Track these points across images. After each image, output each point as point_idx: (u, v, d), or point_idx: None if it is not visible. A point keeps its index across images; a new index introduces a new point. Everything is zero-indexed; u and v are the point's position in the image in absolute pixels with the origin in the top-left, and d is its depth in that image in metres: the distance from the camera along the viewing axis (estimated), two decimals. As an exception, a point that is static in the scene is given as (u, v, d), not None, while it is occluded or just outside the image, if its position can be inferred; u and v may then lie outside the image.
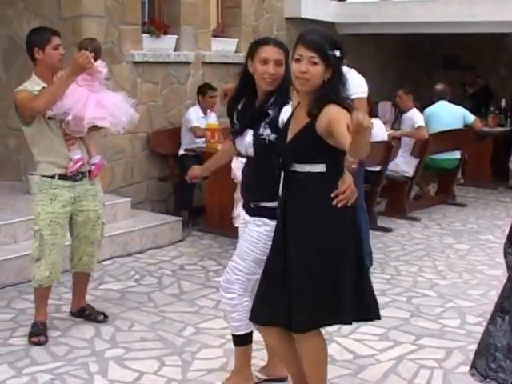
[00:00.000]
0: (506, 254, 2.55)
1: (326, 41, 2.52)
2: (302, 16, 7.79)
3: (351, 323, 2.71)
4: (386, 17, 8.41)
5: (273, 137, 2.76)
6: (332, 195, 2.53)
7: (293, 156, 2.61)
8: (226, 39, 7.13)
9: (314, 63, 2.50)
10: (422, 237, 5.89)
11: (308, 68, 2.50)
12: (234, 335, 3.02)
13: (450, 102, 7.14)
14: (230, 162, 5.19)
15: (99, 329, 3.76)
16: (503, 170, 7.91)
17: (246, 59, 2.85)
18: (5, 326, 3.77)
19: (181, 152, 6.19)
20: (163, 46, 6.32)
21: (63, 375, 3.22)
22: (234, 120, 2.93)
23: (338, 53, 2.53)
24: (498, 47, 9.63)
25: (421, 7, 8.21)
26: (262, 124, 2.79)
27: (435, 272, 4.92)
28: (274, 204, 2.74)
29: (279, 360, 3.04)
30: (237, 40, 7.18)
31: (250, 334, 2.99)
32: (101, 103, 3.55)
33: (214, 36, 6.97)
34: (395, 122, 7.80)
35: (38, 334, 3.57)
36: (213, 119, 6.22)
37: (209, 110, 6.24)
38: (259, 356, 3.36)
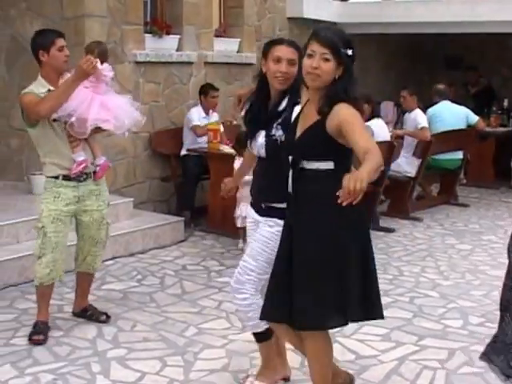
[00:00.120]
0: (509, 254, 2.55)
1: (339, 38, 2.54)
2: (305, 16, 7.79)
3: (356, 321, 2.73)
4: (388, 17, 8.41)
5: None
6: (338, 193, 2.53)
7: (302, 153, 2.61)
8: (229, 39, 7.13)
9: (326, 59, 2.51)
10: (424, 237, 5.89)
11: (320, 64, 2.51)
12: (255, 333, 3.02)
13: (452, 101, 7.14)
14: (232, 162, 5.23)
15: (101, 329, 3.76)
16: (506, 170, 7.90)
17: (261, 60, 2.87)
18: (7, 326, 3.77)
19: (183, 152, 6.19)
20: (165, 46, 6.32)
21: (65, 375, 3.22)
22: (247, 121, 2.94)
23: (350, 52, 2.55)
24: (500, 47, 9.62)
25: (423, 7, 8.21)
26: (274, 125, 2.80)
27: (438, 272, 4.91)
28: (286, 205, 2.75)
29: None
30: (239, 40, 7.18)
31: (270, 328, 2.98)
32: (105, 105, 3.56)
33: (217, 36, 6.97)
34: (397, 122, 7.81)
35: (38, 333, 3.58)
36: (215, 120, 6.22)
37: (211, 111, 6.23)
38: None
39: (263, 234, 2.85)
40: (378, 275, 2.75)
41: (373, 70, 9.07)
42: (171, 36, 6.38)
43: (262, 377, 3.09)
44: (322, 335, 2.70)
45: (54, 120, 3.53)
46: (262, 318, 2.78)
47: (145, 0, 6.21)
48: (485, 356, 2.71)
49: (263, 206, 2.90)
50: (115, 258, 5.03)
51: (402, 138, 6.61)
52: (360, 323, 3.72)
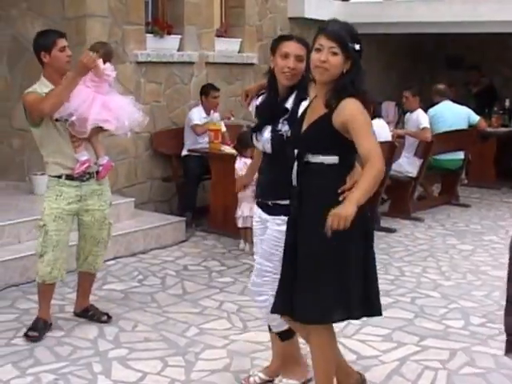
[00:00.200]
0: (511, 255, 2.54)
1: (346, 33, 2.56)
2: (306, 16, 7.79)
3: (358, 318, 2.75)
4: (389, 17, 8.40)
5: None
6: (339, 191, 2.54)
7: (307, 146, 2.62)
8: (230, 39, 7.13)
9: (334, 53, 2.53)
10: (425, 237, 5.88)
11: (328, 58, 2.53)
12: (279, 332, 3.02)
13: (453, 101, 7.13)
14: (233, 162, 5.23)
15: (103, 329, 3.76)
16: (507, 170, 7.89)
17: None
18: (9, 326, 3.78)
19: (184, 152, 6.19)
20: (167, 46, 6.32)
21: (67, 375, 3.23)
22: (257, 115, 2.96)
23: (357, 46, 2.56)
24: (501, 47, 9.61)
25: (425, 7, 8.20)
26: (281, 120, 2.82)
27: (439, 273, 4.91)
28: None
29: None
30: (240, 40, 7.18)
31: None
32: (107, 106, 3.57)
33: (218, 36, 6.97)
34: (398, 122, 7.80)
35: (34, 329, 3.62)
36: (216, 120, 6.21)
37: (212, 111, 6.23)
38: (263, 357, 3.37)
39: (273, 234, 2.86)
40: (379, 275, 2.75)
41: (374, 69, 9.06)
42: (172, 36, 6.38)
43: (291, 374, 3.09)
44: (326, 330, 2.70)
45: (57, 120, 3.54)
46: (272, 311, 2.79)
47: (146, 0, 6.22)
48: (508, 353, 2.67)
49: (270, 203, 2.89)
50: (116, 258, 5.03)
51: (403, 138, 6.61)
52: (361, 324, 3.74)
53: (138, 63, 5.97)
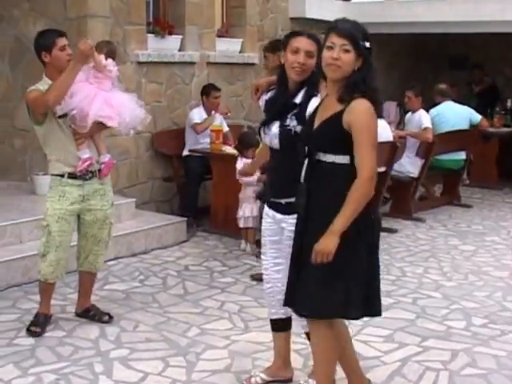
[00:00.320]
0: None
1: (357, 30, 2.58)
2: (307, 16, 7.78)
3: (358, 318, 2.75)
4: (392, 16, 8.40)
5: (299, 128, 2.78)
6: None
7: (319, 144, 2.63)
8: (231, 39, 7.12)
9: (346, 51, 2.54)
10: (427, 238, 5.87)
11: (340, 55, 2.54)
12: (273, 319, 3.07)
13: (455, 101, 7.12)
14: (234, 163, 5.23)
15: (104, 329, 3.76)
16: (509, 170, 7.88)
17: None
18: (10, 326, 3.78)
19: (185, 153, 6.18)
20: (168, 46, 6.32)
21: (68, 375, 3.23)
22: (266, 110, 2.96)
23: (368, 44, 2.58)
24: (504, 47, 9.59)
25: (427, 7, 8.19)
26: (289, 115, 2.81)
27: (441, 273, 4.90)
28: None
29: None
30: (241, 40, 7.17)
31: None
32: (109, 102, 3.58)
33: (219, 36, 6.97)
34: (400, 123, 7.79)
35: (36, 324, 3.65)
36: (218, 121, 6.20)
37: (213, 111, 6.22)
38: (264, 357, 3.37)
39: (289, 235, 2.82)
40: (381, 276, 2.75)
41: (376, 69, 9.06)
42: (173, 36, 6.38)
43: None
44: (327, 326, 2.68)
45: (60, 117, 3.55)
46: (284, 304, 2.81)
47: (147, 0, 6.22)
48: None
49: (283, 202, 2.88)
50: (117, 258, 5.03)
51: (404, 138, 6.60)
52: (363, 324, 3.73)
53: (139, 63, 5.97)
